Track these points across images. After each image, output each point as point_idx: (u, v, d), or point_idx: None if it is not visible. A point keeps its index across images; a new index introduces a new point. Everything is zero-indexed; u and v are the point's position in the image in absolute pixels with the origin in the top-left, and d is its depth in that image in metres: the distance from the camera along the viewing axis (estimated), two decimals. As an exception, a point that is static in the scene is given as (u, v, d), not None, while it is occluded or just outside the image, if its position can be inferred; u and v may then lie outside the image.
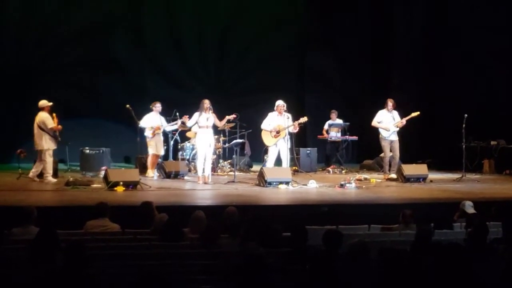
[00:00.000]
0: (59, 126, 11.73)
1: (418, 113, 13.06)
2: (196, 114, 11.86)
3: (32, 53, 15.77)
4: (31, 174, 11.73)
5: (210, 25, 17.21)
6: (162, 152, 13.21)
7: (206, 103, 11.77)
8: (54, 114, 11.77)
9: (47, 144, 11.59)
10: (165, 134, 13.43)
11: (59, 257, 4.99)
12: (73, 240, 5.68)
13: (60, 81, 15.73)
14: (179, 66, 16.89)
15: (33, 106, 15.31)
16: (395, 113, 13.15)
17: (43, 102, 11.79)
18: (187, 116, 12.11)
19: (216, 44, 17.34)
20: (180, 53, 16.96)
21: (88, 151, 13.17)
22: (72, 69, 15.76)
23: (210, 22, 17.20)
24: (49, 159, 11.63)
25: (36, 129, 11.63)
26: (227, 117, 12.34)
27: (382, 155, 13.69)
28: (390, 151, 13.18)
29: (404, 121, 13.01)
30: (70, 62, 15.79)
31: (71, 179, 11.17)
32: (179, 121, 13.19)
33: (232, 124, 14.20)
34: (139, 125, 12.85)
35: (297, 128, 12.45)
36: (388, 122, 13.02)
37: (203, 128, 11.82)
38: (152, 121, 13.01)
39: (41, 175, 11.81)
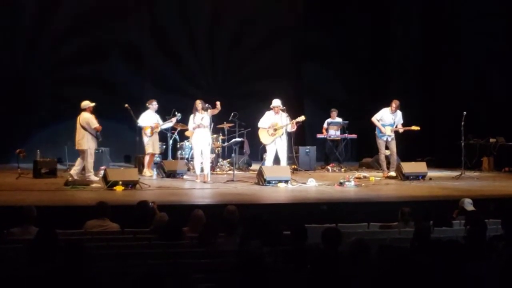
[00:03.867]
0: (100, 127, 11.77)
1: (419, 128, 13.10)
2: (191, 117, 11.88)
3: (31, 55, 15.74)
4: (72, 171, 11.71)
5: (211, 29, 17.19)
6: (158, 151, 13.22)
7: (198, 103, 11.82)
8: (93, 116, 11.81)
9: (88, 144, 11.66)
10: (163, 132, 13.43)
11: (59, 256, 4.99)
12: (72, 239, 5.69)
13: (59, 81, 15.74)
14: (179, 67, 16.87)
15: (31, 106, 15.50)
16: (398, 114, 13.12)
17: (86, 103, 11.84)
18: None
19: (216, 47, 17.32)
20: (181, 55, 16.94)
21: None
22: (72, 70, 15.75)
23: (211, 27, 17.19)
24: (90, 159, 11.69)
25: (78, 129, 11.72)
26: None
27: (380, 153, 13.69)
28: (387, 148, 13.19)
29: (401, 130, 13.03)
30: (70, 62, 15.77)
31: (70, 178, 11.17)
32: (173, 119, 13.23)
33: (231, 124, 14.25)
34: (138, 124, 12.85)
35: (295, 127, 12.42)
36: (388, 121, 13.02)
37: (199, 127, 11.84)
38: (150, 119, 13.02)
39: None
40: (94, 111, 11.85)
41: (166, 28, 16.81)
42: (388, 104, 13.17)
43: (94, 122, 11.67)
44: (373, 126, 13.20)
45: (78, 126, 11.72)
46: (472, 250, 5.36)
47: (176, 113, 13.43)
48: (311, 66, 17.86)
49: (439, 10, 16.63)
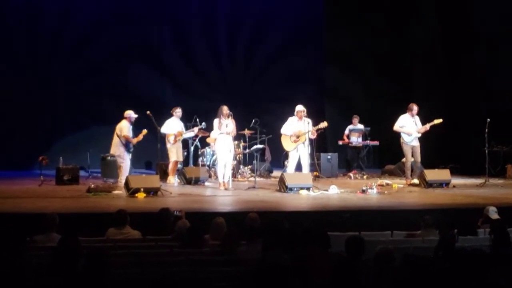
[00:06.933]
0: (134, 140, 12.06)
1: (441, 120, 12.93)
2: (216, 121, 11.87)
3: (52, 62, 15.90)
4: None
5: (233, 33, 17.27)
6: (181, 158, 13.27)
7: (225, 109, 11.80)
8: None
9: (118, 151, 12.02)
10: (184, 140, 13.46)
11: (81, 264, 5.00)
12: (96, 247, 5.69)
13: (81, 89, 15.85)
14: (200, 72, 16.95)
15: (54, 113, 15.64)
16: (417, 118, 13.03)
17: (128, 112, 12.25)
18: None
19: (238, 51, 17.39)
20: (202, 60, 17.03)
21: (109, 157, 13.16)
22: (93, 78, 15.89)
23: (233, 30, 17.27)
24: (119, 166, 11.99)
25: (114, 135, 12.12)
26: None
27: (404, 160, 13.56)
28: (412, 156, 13.05)
29: (428, 126, 12.88)
30: (92, 67, 15.92)
31: (92, 185, 11.22)
32: (195, 128, 13.27)
33: (252, 131, 14.25)
34: (161, 131, 12.90)
35: (315, 135, 12.34)
36: (410, 127, 12.90)
37: (223, 134, 11.82)
38: (174, 126, 13.06)
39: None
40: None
41: (187, 33, 16.94)
42: (404, 111, 13.04)
43: (126, 131, 11.98)
44: (397, 134, 13.08)
45: (115, 132, 12.10)
46: (497, 259, 5.27)
47: (198, 120, 13.45)
48: (333, 72, 17.84)
49: (461, 14, 16.45)
